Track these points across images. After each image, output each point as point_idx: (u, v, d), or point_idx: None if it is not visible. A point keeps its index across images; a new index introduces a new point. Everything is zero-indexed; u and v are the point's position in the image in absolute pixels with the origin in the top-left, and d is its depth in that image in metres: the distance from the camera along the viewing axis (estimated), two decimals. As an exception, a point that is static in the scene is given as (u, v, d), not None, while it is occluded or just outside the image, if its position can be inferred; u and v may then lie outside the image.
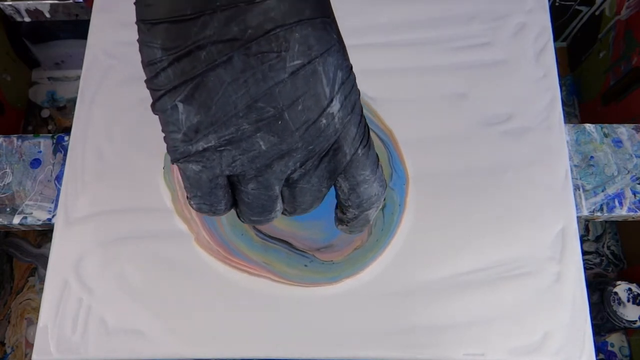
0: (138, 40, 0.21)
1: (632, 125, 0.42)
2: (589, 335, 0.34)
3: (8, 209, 0.40)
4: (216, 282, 0.36)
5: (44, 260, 0.61)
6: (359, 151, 0.24)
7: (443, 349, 0.34)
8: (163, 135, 0.23)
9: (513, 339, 0.34)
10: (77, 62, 0.68)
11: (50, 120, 0.68)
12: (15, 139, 0.42)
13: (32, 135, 0.42)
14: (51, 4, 0.58)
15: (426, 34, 0.42)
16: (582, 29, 0.67)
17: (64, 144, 0.41)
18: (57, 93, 0.69)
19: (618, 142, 0.41)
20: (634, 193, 0.40)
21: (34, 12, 0.59)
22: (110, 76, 0.42)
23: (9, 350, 0.58)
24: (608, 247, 0.62)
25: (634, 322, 0.49)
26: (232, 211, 0.26)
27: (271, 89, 0.21)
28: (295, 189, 0.24)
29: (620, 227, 0.62)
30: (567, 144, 0.39)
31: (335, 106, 0.22)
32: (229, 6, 0.20)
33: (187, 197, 0.25)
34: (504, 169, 0.38)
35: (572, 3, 0.63)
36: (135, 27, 0.21)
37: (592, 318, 0.41)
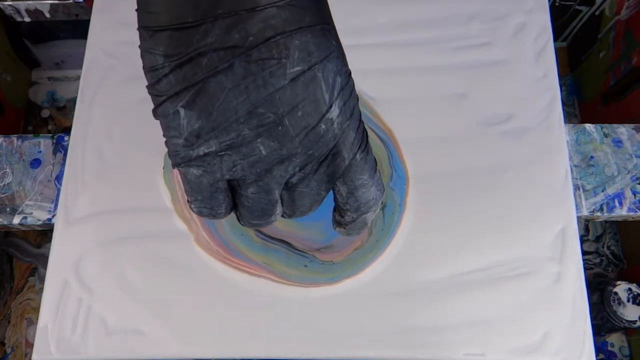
0: (140, 47, 0.22)
1: (632, 125, 0.42)
2: (589, 335, 0.34)
3: (8, 209, 0.40)
4: (216, 282, 0.36)
5: (44, 260, 0.61)
6: (358, 156, 0.24)
7: (443, 349, 0.34)
8: (164, 139, 0.23)
9: (513, 339, 0.34)
10: (77, 62, 0.68)
11: (50, 120, 0.68)
12: (15, 139, 0.42)
13: (32, 135, 0.42)
14: (51, 4, 0.58)
15: (426, 34, 0.42)
16: (582, 29, 0.67)
17: (64, 144, 0.41)
18: (57, 93, 0.69)
19: (618, 142, 0.41)
20: (634, 193, 0.40)
21: (34, 12, 0.59)
22: (110, 76, 0.42)
23: (9, 350, 0.58)
24: (608, 247, 0.62)
25: (634, 322, 0.49)
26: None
27: (271, 95, 0.21)
28: (294, 192, 0.25)
29: (620, 227, 0.62)
30: (567, 144, 0.39)
31: (334, 112, 0.22)
32: (230, 14, 0.20)
33: (188, 201, 0.25)
34: (504, 169, 0.38)
35: (572, 3, 0.63)
36: (136, 26, 0.22)
37: (592, 318, 0.41)
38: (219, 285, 0.36)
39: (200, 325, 0.35)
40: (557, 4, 0.63)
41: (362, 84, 0.40)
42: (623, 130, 0.42)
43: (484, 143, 0.39)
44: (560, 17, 0.65)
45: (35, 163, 0.41)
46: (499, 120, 0.40)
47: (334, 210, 0.27)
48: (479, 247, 0.36)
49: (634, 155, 0.41)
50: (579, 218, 0.39)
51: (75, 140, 0.40)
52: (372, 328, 0.35)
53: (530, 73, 0.41)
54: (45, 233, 0.62)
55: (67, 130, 0.57)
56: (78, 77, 0.68)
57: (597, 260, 0.62)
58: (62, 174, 0.39)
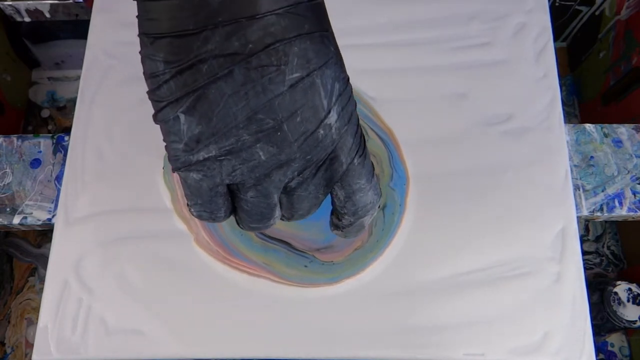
0: (140, 53, 0.22)
1: (632, 125, 0.42)
2: (589, 335, 0.34)
3: (8, 209, 0.40)
4: (216, 282, 0.36)
5: (44, 260, 0.61)
6: (355, 160, 0.24)
7: (443, 349, 0.34)
8: (164, 144, 0.23)
9: (513, 339, 0.34)
10: (77, 62, 0.68)
11: (50, 120, 0.68)
12: (15, 139, 0.42)
13: (32, 135, 0.42)
14: (51, 4, 0.58)
15: (426, 34, 0.42)
16: (582, 29, 0.67)
17: (64, 144, 0.41)
18: (57, 93, 0.69)
19: (618, 142, 0.41)
20: (634, 193, 0.40)
21: (34, 12, 0.59)
22: (110, 76, 0.42)
23: (9, 350, 0.58)
24: (608, 247, 0.62)
25: (634, 322, 0.49)
26: (232, 210, 0.26)
27: (271, 101, 0.21)
28: (293, 196, 0.25)
29: (620, 227, 0.62)
30: (567, 144, 0.39)
31: (332, 117, 0.23)
32: (230, 22, 0.20)
33: (188, 205, 0.25)
34: (504, 169, 0.38)
35: (572, 3, 0.63)
36: (136, 26, 0.22)
37: (592, 318, 0.41)
38: (219, 286, 0.36)
39: (200, 325, 0.35)
40: (557, 4, 0.63)
41: (362, 84, 0.40)
42: (623, 130, 0.42)
43: (484, 143, 0.39)
44: (560, 17, 0.65)
45: (35, 163, 0.41)
46: (499, 120, 0.40)
47: (332, 213, 0.28)
48: (479, 247, 0.36)
49: (634, 155, 0.41)
50: (579, 218, 0.39)
51: (75, 140, 0.40)
52: (372, 328, 0.35)
53: (530, 73, 0.41)
54: (45, 233, 0.62)
55: (67, 130, 0.57)
56: (78, 77, 0.68)
57: (597, 260, 0.62)
58: (62, 174, 0.39)
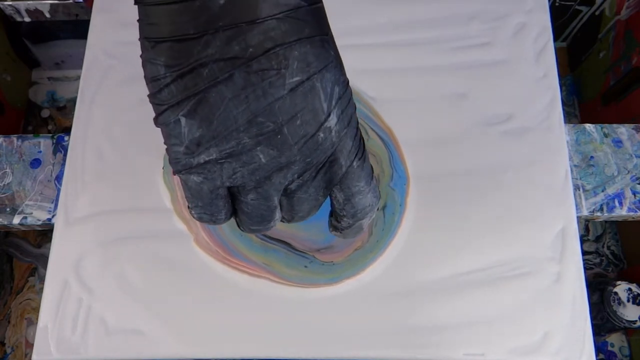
0: (141, 57, 0.22)
1: (632, 125, 0.42)
2: (589, 335, 0.34)
3: (8, 209, 0.40)
4: (216, 282, 0.36)
5: (44, 260, 0.61)
6: (354, 163, 0.25)
7: (443, 349, 0.34)
8: (165, 147, 0.23)
9: (513, 339, 0.34)
10: (77, 62, 0.68)
11: (50, 120, 0.68)
12: (15, 139, 0.42)
13: (32, 135, 0.42)
14: (51, 4, 0.58)
15: (426, 34, 0.42)
16: (582, 29, 0.67)
17: (64, 144, 0.41)
18: (57, 93, 0.69)
19: (618, 142, 0.41)
20: (634, 193, 0.40)
21: (34, 12, 0.59)
22: (110, 76, 0.42)
23: (9, 350, 0.58)
24: (608, 247, 0.62)
25: (634, 322, 0.49)
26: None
27: (271, 105, 0.21)
28: (293, 198, 0.25)
29: (620, 227, 0.62)
30: (567, 144, 0.39)
31: (332, 120, 0.23)
32: (230, 26, 0.20)
33: (188, 207, 0.26)
34: (504, 169, 0.38)
35: (572, 3, 0.63)
36: (136, 26, 0.22)
37: (592, 318, 0.41)
38: (219, 286, 0.36)
39: (200, 325, 0.35)
40: (557, 4, 0.63)
41: (362, 84, 0.40)
42: (623, 130, 0.42)
43: (484, 143, 0.39)
44: (560, 17, 0.65)
45: (35, 163, 0.41)
46: (499, 120, 0.40)
47: (331, 215, 0.28)
48: (479, 247, 0.36)
49: (634, 155, 0.41)
50: (579, 218, 0.39)
51: (75, 140, 0.40)
52: (372, 328, 0.35)
53: (530, 73, 0.41)
54: (45, 233, 0.62)
55: (67, 130, 0.57)
56: (78, 77, 0.68)
57: (597, 260, 0.62)
58: (62, 174, 0.39)
